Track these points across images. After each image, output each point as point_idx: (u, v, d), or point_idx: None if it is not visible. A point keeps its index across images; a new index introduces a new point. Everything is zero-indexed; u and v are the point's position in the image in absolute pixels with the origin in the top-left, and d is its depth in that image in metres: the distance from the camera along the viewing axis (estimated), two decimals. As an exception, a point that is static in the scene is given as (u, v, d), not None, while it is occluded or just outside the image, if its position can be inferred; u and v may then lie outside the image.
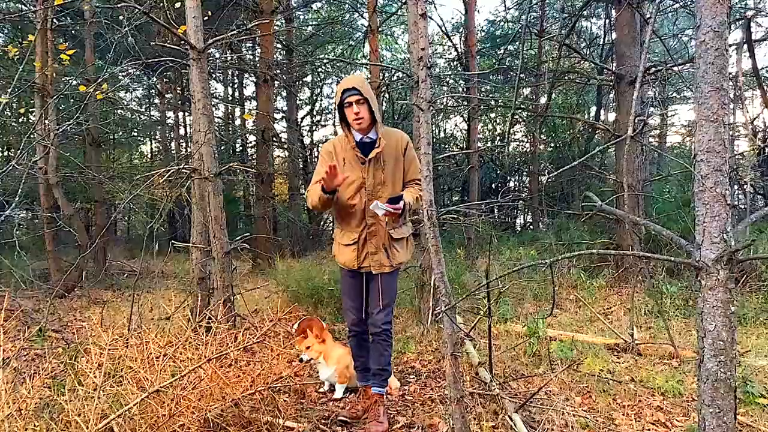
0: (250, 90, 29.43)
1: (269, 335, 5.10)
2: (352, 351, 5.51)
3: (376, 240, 4.93)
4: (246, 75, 26.95)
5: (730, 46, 3.12)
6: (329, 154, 4.98)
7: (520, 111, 20.96)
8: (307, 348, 5.79)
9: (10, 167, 8.49)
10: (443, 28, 21.96)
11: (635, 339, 7.14)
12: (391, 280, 5.06)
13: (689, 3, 12.49)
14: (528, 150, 27.55)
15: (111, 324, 8.36)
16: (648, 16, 11.73)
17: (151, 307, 10.00)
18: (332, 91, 30.54)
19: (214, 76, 24.94)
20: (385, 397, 5.25)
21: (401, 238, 5.04)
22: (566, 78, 18.34)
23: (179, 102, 26.09)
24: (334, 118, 30.56)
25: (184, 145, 27.59)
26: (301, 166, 25.60)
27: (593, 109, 26.01)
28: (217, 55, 18.91)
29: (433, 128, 26.38)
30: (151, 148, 30.93)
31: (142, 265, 9.72)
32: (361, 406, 5.31)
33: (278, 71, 19.43)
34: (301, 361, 5.82)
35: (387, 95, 21.06)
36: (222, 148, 24.46)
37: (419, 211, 5.17)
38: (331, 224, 20.74)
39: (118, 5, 7.55)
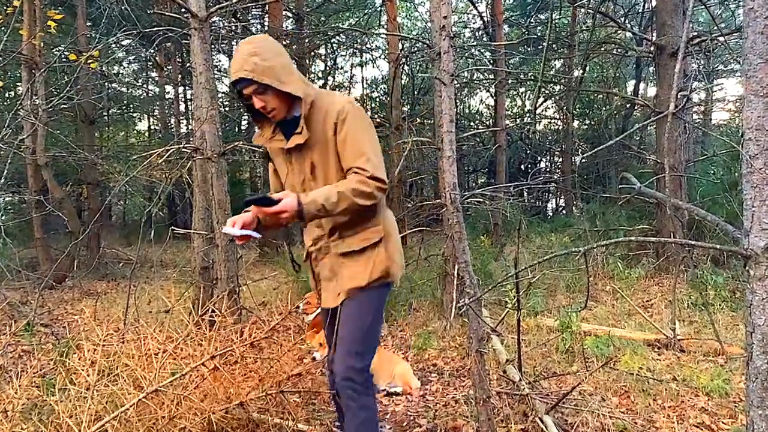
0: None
1: (278, 330, 5.12)
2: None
3: (329, 260, 3.79)
4: (252, 46, 26.93)
5: (783, 13, 3.08)
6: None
7: (551, 85, 20.97)
8: (321, 345, 5.77)
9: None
10: (468, -6, 21.94)
11: (677, 334, 7.12)
12: (356, 309, 3.71)
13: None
14: (560, 127, 27.48)
15: (105, 318, 8.46)
16: (693, -20, 11.64)
17: (149, 299, 10.07)
18: (347, 64, 30.57)
19: (217, 47, 24.94)
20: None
21: (352, 253, 3.71)
22: (602, 49, 18.26)
23: (179, 76, 26.13)
24: (349, 92, 30.77)
25: (184, 122, 27.70)
26: (312, 145, 25.60)
27: (632, 83, 25.92)
28: (221, 24, 18.91)
29: (457, 104, 26.33)
30: (149, 126, 31.03)
31: (139, 254, 9.76)
32: None
33: (288, 42, 19.41)
34: (314, 359, 5.82)
35: (406, 68, 21.04)
36: (226, 125, 24.53)
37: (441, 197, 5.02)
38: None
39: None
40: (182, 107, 28.30)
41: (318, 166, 3.66)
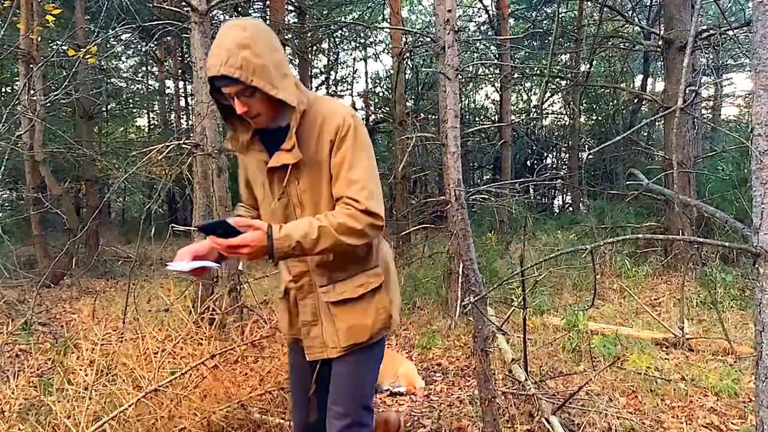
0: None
1: (279, 329, 5.12)
2: None
3: (312, 302, 3.03)
4: (253, 40, 26.94)
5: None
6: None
7: (557, 80, 20.93)
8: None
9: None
10: (473, -12, 21.93)
11: (686, 333, 7.11)
12: (355, 370, 3.04)
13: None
14: (567, 123, 27.48)
15: (104, 316, 8.44)
16: (702, -28, 11.63)
17: (149, 297, 10.07)
18: (350, 58, 30.55)
19: (217, 41, 24.98)
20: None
21: (345, 301, 2.98)
22: (609, 43, 18.26)
23: (179, 70, 26.13)
24: (352, 87, 30.78)
25: (184, 117, 27.67)
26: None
27: (639, 77, 25.86)
28: (222, 18, 18.91)
29: (462, 99, 26.28)
30: (149, 122, 31.04)
31: (139, 251, 9.76)
32: None
33: (290, 35, 19.42)
34: None
35: (410, 62, 21.03)
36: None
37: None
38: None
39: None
40: (182, 102, 28.32)
41: (307, 192, 2.92)
